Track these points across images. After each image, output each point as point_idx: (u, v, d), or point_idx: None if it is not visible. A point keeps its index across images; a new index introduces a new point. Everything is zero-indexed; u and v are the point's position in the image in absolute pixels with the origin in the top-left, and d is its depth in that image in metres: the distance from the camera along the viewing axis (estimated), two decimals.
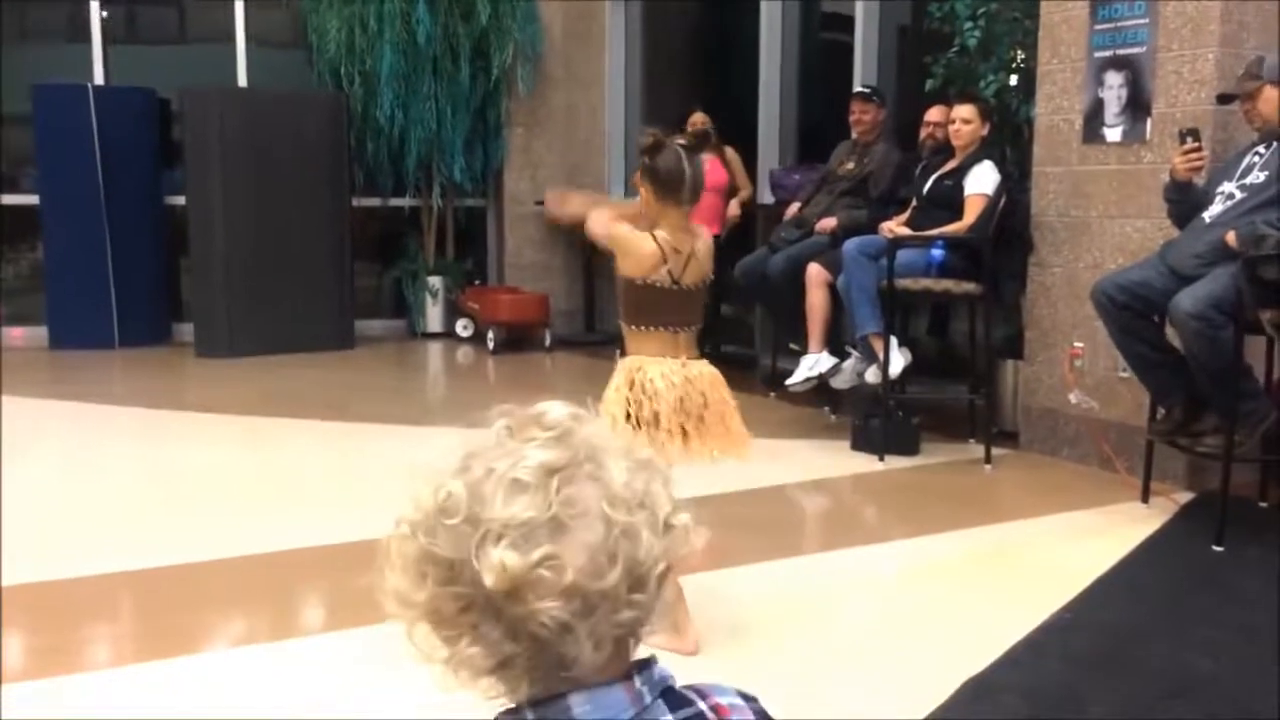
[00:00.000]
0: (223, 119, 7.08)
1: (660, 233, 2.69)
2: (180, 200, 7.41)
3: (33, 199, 7.42)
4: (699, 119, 6.48)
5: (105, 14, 7.85)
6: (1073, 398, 4.52)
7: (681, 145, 2.69)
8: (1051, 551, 3.55)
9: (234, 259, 7.14)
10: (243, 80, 7.93)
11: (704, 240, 2.80)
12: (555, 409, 0.82)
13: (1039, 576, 3.32)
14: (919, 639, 2.85)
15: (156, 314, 7.69)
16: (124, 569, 3.29)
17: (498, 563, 0.73)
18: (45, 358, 7.20)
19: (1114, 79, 4.34)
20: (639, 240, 2.70)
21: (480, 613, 0.76)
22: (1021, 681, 2.55)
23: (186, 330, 7.49)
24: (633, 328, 2.80)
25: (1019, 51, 5.18)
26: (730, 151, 6.57)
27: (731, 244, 6.33)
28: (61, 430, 5.30)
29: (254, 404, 5.69)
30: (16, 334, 7.76)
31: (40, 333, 7.48)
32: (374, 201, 8.08)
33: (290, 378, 6.56)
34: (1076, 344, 4.50)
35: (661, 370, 2.73)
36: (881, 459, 4.57)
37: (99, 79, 7.68)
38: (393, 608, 0.81)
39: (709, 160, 6.53)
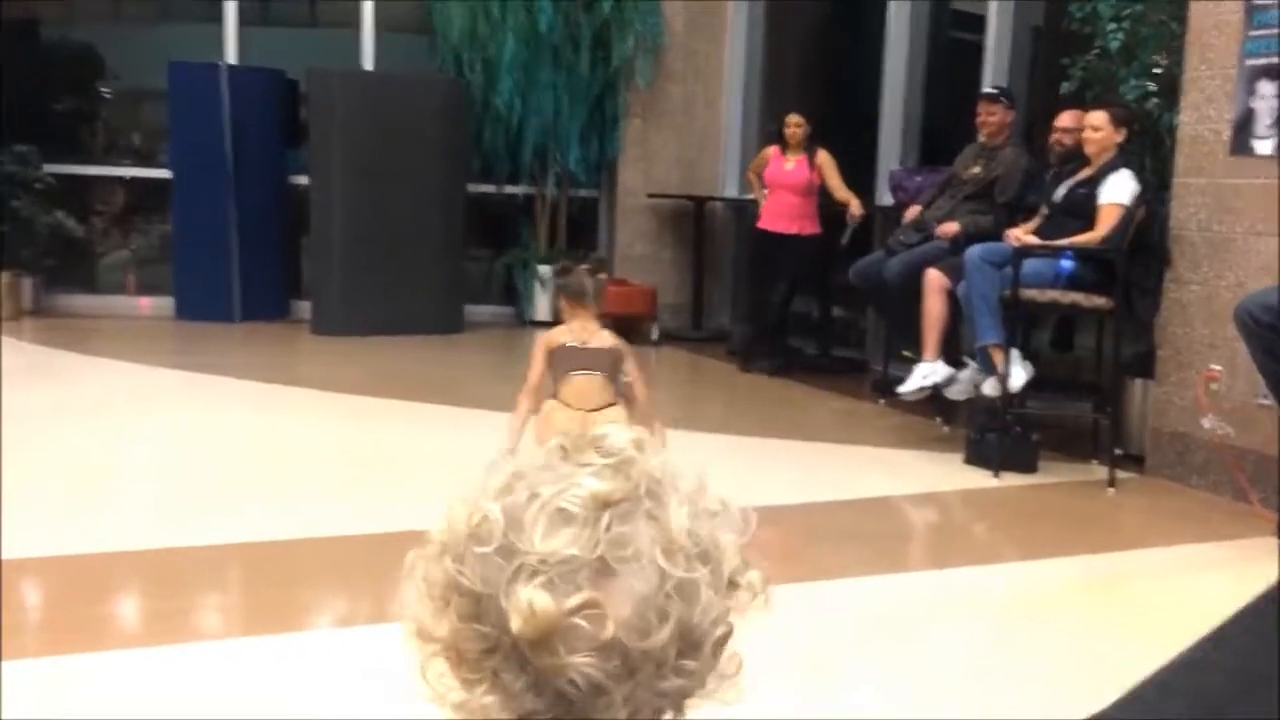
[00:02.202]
0: (346, 101, 7.20)
1: (555, 332, 3.59)
2: (303, 180, 7.58)
3: (166, 173, 7.67)
4: (794, 120, 6.41)
5: None
6: (1206, 422, 4.28)
7: (585, 268, 3.53)
8: (1177, 584, 3.36)
9: (350, 239, 7.27)
10: (368, 64, 8.07)
11: (605, 335, 3.52)
12: (618, 433, 0.71)
13: (1163, 611, 3.14)
14: (1029, 671, 2.71)
15: (276, 290, 7.87)
16: (229, 541, 3.35)
17: (527, 604, 0.63)
18: (170, 327, 7.44)
19: (1268, 88, 4.09)
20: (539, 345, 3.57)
21: (504, 659, 0.66)
22: None
23: (304, 307, 7.66)
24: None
25: (1162, 56, 4.93)
26: (823, 154, 6.43)
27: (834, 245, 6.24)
28: (178, 400, 5.45)
29: (363, 383, 5.77)
30: (144, 303, 8.04)
31: (167, 303, 7.73)
32: (489, 188, 8.14)
33: (400, 359, 6.64)
34: (1214, 366, 4.26)
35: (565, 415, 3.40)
36: (996, 475, 4.40)
37: (232, 59, 7.88)
38: (409, 636, 0.71)
39: (796, 160, 6.44)
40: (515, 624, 0.64)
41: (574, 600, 0.63)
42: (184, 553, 3.24)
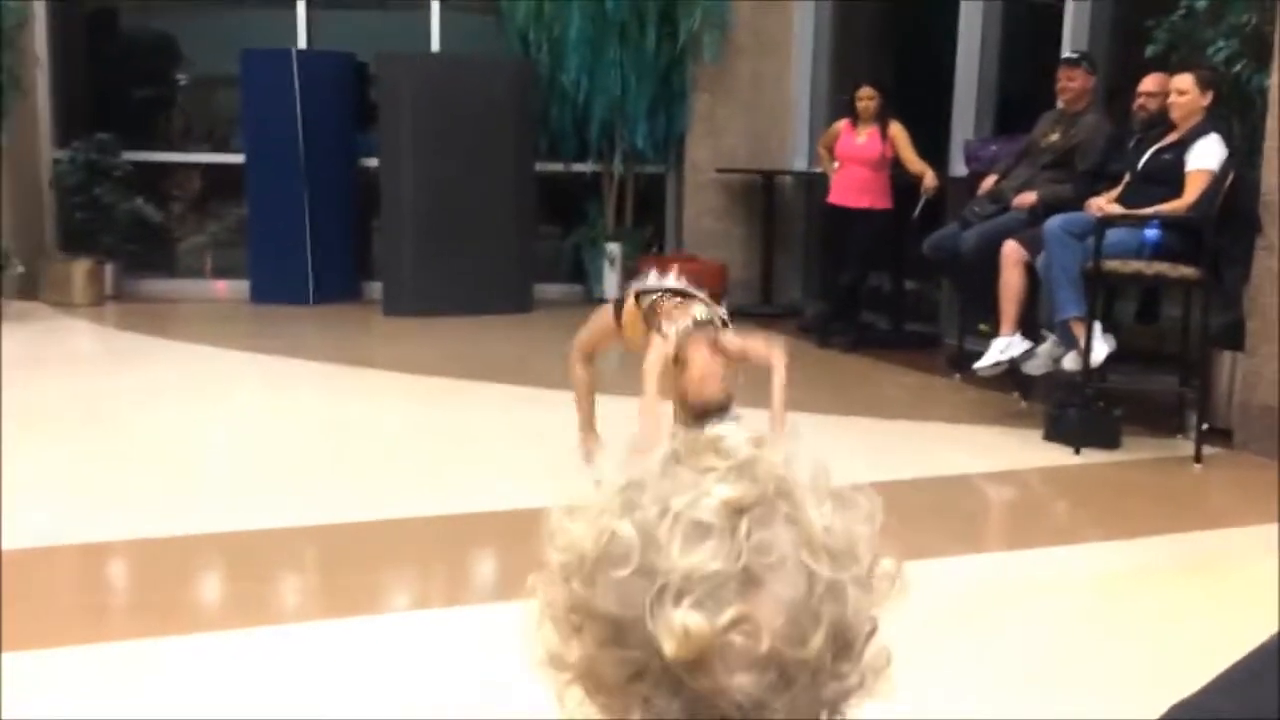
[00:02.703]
0: (415, 83, 7.23)
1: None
2: (374, 162, 7.64)
3: (240, 159, 7.79)
4: (866, 93, 6.28)
5: None
6: None
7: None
8: (1269, 565, 3.24)
9: (421, 220, 7.31)
10: (435, 45, 8.09)
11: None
12: (733, 434, 0.68)
13: (1254, 592, 3.02)
14: (1114, 654, 2.64)
15: (349, 272, 7.97)
16: (308, 523, 3.39)
17: (680, 627, 0.60)
18: (246, 310, 7.57)
19: None
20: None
21: (654, 684, 0.62)
22: (1240, 711, 2.31)
23: (376, 289, 7.74)
24: None
25: (1251, 16, 4.72)
26: (895, 126, 6.28)
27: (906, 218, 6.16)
28: (255, 383, 5.55)
29: (435, 364, 5.81)
30: (221, 286, 8.19)
31: (242, 286, 7.87)
32: (556, 167, 8.13)
33: (470, 339, 6.68)
34: None
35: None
36: (1078, 451, 4.29)
37: (302, 43, 7.96)
38: (541, 664, 0.68)
39: (867, 132, 6.31)
40: (669, 648, 0.61)
41: (726, 617, 0.61)
42: (263, 535, 3.30)
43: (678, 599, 0.61)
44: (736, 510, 0.63)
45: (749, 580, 0.62)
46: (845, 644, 0.64)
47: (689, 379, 3.21)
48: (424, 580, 3.14)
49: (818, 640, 0.62)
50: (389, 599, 2.96)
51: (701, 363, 3.24)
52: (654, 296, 3.54)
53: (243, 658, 2.50)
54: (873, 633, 0.67)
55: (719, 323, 3.43)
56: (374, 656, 2.53)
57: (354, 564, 3.11)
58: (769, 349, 3.39)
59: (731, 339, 3.40)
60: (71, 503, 3.47)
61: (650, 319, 3.48)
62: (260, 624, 2.68)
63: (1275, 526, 3.54)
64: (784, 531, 0.63)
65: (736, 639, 0.60)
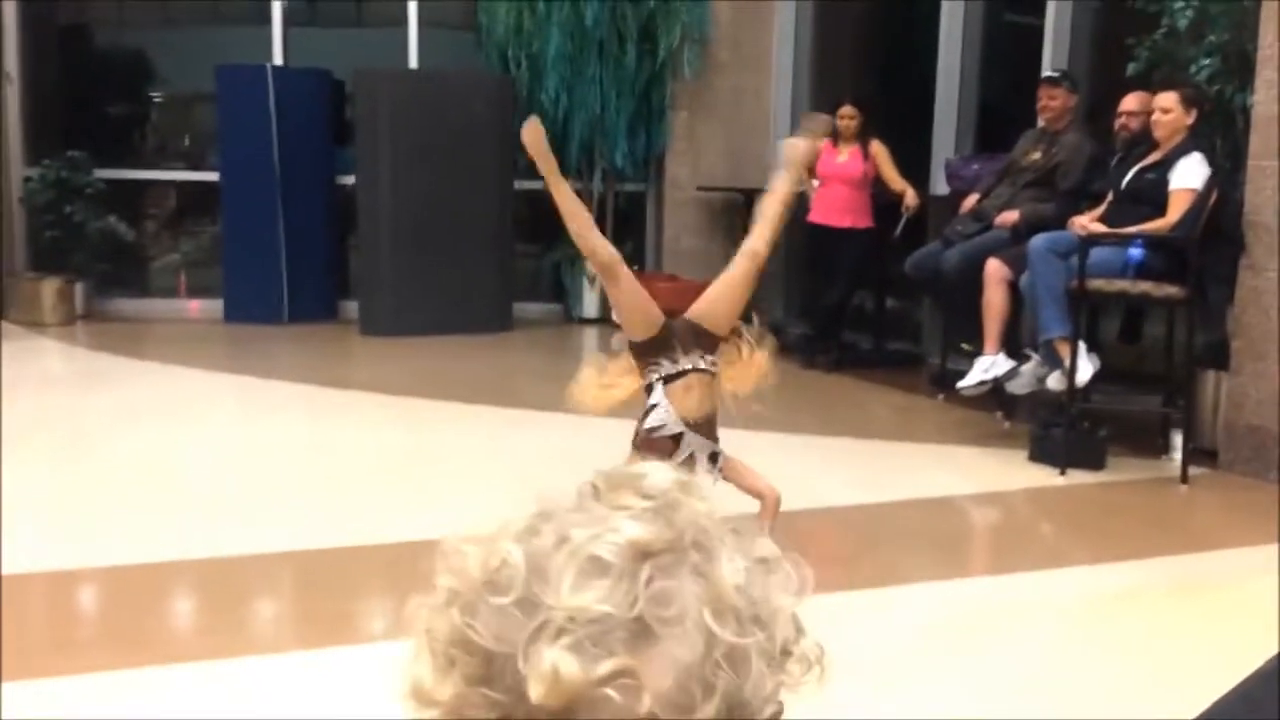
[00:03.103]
0: (392, 100, 7.17)
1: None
2: (351, 179, 7.56)
3: (214, 176, 7.69)
4: (847, 112, 6.25)
5: None
6: None
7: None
8: (1258, 587, 3.19)
9: (399, 239, 7.23)
10: (414, 62, 8.03)
11: None
12: (659, 472, 0.61)
13: (1244, 616, 2.98)
14: (1101, 678, 2.58)
15: (325, 291, 7.87)
16: (280, 550, 3.30)
17: (550, 669, 0.53)
18: (219, 330, 7.46)
19: None
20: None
21: None
22: None
23: (352, 308, 7.64)
24: None
25: (1232, 34, 4.72)
26: (876, 144, 6.26)
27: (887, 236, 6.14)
28: (228, 405, 5.44)
29: (413, 385, 5.72)
30: (194, 306, 8.08)
31: (216, 305, 7.76)
32: (536, 185, 8.03)
33: (449, 359, 6.60)
34: None
35: None
36: (1063, 472, 4.24)
37: (278, 60, 7.88)
38: (406, 700, 0.60)
39: (849, 151, 6.29)
40: (534, 691, 0.54)
41: (605, 667, 0.53)
42: (237, 561, 3.20)
43: (555, 638, 0.54)
44: (642, 553, 0.56)
45: (640, 632, 0.54)
46: None
47: (673, 389, 3.10)
48: (403, 609, 3.05)
49: (706, 712, 0.54)
50: (367, 628, 2.87)
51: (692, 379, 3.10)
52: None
53: (216, 689, 2.41)
54: (775, 718, 0.58)
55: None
56: (351, 687, 2.44)
57: (331, 591, 3.02)
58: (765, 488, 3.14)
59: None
60: (38, 529, 3.37)
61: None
62: (234, 655, 2.58)
63: (1263, 549, 3.51)
64: (690, 584, 0.56)
65: (613, 694, 0.53)
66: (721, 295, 3.17)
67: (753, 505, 3.19)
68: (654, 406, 3.07)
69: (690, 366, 3.07)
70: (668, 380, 3.07)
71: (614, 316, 3.16)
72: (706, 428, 3.10)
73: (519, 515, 0.61)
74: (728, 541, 0.59)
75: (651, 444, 3.08)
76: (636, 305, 3.12)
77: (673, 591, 0.56)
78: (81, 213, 7.38)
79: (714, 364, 3.11)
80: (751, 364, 3.14)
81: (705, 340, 3.10)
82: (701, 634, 0.55)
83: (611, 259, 3.09)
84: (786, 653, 0.59)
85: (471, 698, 0.57)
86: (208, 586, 3.11)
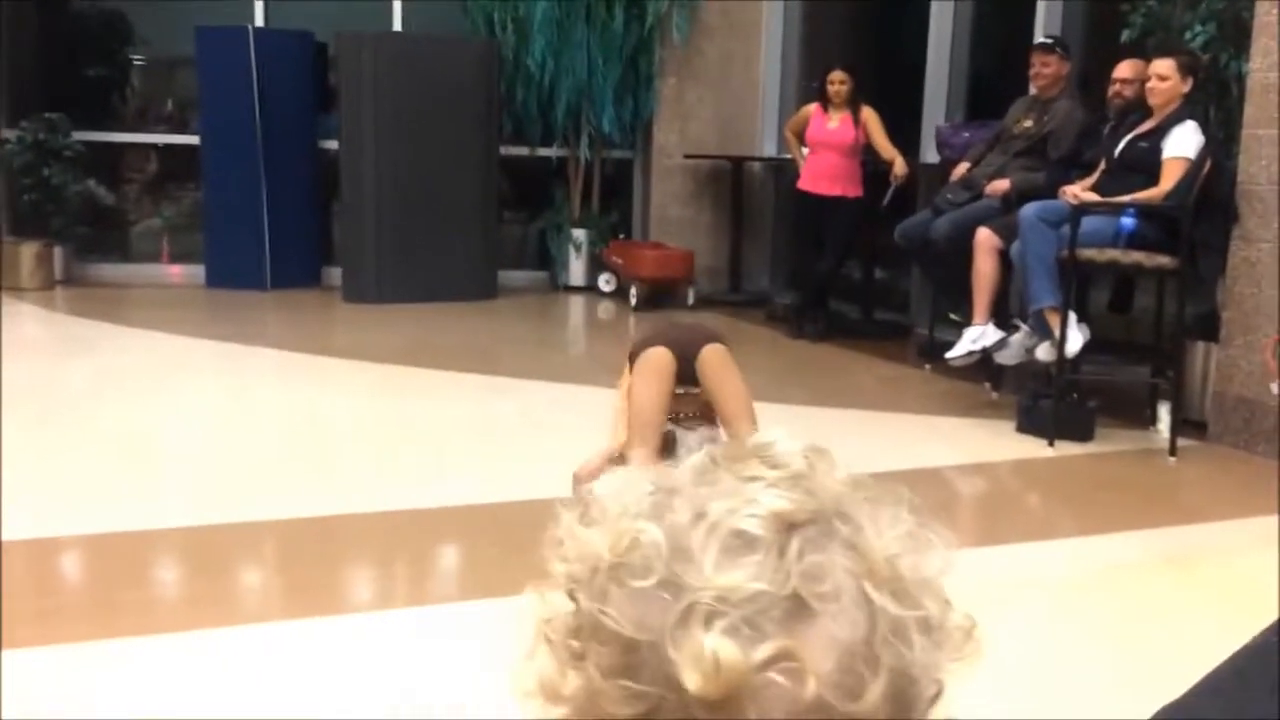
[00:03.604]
0: (375, 64, 7.05)
1: None
2: (334, 145, 7.45)
3: (195, 140, 7.57)
4: (837, 77, 6.17)
5: None
6: (1274, 388, 4.07)
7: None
8: (1248, 560, 3.17)
9: (382, 205, 7.14)
10: (398, 25, 7.90)
11: None
12: (784, 440, 0.56)
13: (1235, 589, 2.96)
14: (1092, 656, 2.56)
15: (308, 257, 7.78)
16: (264, 518, 3.25)
17: (708, 655, 0.48)
18: (201, 296, 7.37)
19: None
20: None
21: None
22: (1227, 712, 2.24)
23: (335, 274, 7.56)
24: None
25: (1227, 1, 4.65)
26: (867, 111, 6.18)
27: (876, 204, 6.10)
28: (210, 372, 5.37)
29: (397, 352, 5.66)
30: (175, 271, 7.98)
31: (198, 271, 7.66)
32: (522, 150, 7.97)
33: (433, 327, 6.53)
34: None
35: None
36: (1051, 444, 4.22)
37: (260, 22, 7.74)
38: (529, 695, 0.55)
39: (839, 118, 6.21)
40: (692, 681, 0.49)
41: (765, 650, 0.49)
42: (220, 530, 3.15)
43: (708, 622, 0.49)
44: (787, 525, 0.51)
45: (796, 610, 0.50)
46: (905, 704, 0.52)
47: None
48: (383, 579, 3.01)
49: (874, 693, 0.50)
50: (350, 597, 2.83)
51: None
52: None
53: (200, 659, 2.37)
54: (938, 696, 0.54)
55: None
56: (336, 657, 2.40)
57: (315, 561, 2.98)
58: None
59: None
60: (16, 497, 3.31)
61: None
62: (218, 624, 2.54)
63: (1251, 521, 3.49)
64: (841, 557, 0.52)
65: (776, 679, 0.48)
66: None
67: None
68: None
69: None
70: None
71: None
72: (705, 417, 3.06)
73: (635, 490, 0.55)
74: (868, 510, 0.55)
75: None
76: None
77: (825, 565, 0.51)
78: (60, 175, 7.26)
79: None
80: None
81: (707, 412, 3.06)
82: (862, 609, 0.51)
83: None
84: (941, 625, 0.55)
85: (609, 691, 0.51)
86: (189, 556, 3.06)
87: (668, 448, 3.04)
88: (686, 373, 3.01)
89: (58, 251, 7.35)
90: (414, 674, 2.35)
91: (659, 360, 2.98)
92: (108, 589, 2.77)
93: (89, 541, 3.08)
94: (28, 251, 7.14)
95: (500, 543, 3.10)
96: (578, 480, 3.02)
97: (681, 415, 3.05)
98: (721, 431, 3.07)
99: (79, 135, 7.43)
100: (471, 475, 3.70)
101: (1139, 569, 3.11)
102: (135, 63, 8.61)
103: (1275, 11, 4.07)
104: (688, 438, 3.03)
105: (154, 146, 8.26)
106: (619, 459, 2.94)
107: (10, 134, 7.35)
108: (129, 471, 3.67)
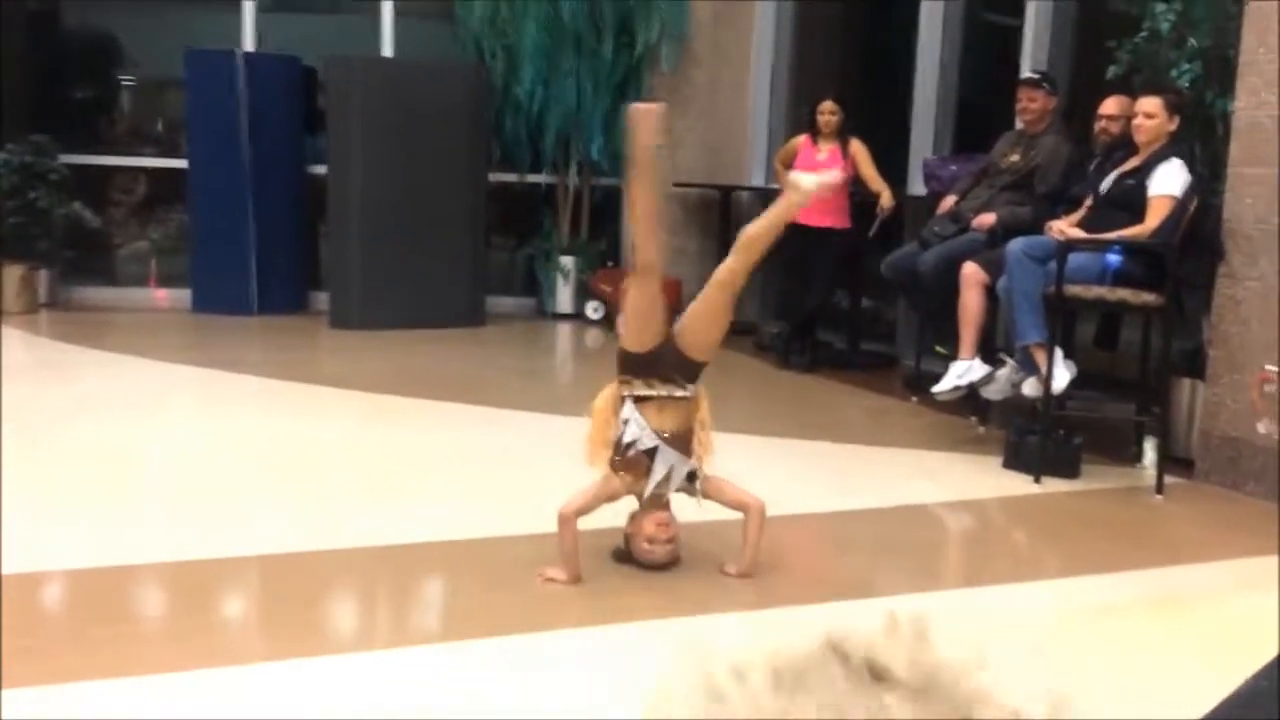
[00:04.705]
0: (365, 88, 7.05)
1: None
2: (322, 169, 7.44)
3: (183, 163, 7.54)
4: (828, 108, 6.20)
5: None
6: (1261, 427, 4.07)
7: None
8: (1237, 603, 3.16)
9: (370, 230, 7.12)
10: (388, 50, 7.90)
11: None
12: (899, 649, 0.53)
13: (1223, 632, 2.94)
14: (1078, 702, 2.52)
15: (295, 282, 7.75)
16: (241, 553, 3.21)
17: None
18: (187, 321, 7.33)
19: None
20: None
21: None
22: None
23: (323, 300, 7.53)
24: None
25: (1213, 39, 4.69)
26: (856, 143, 6.21)
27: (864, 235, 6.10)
28: (193, 400, 5.33)
29: (383, 381, 5.62)
30: (161, 295, 7.93)
31: (184, 295, 7.62)
32: (510, 177, 7.97)
33: (419, 354, 6.50)
34: (1269, 367, 4.04)
35: None
36: (1037, 480, 4.21)
37: (249, 46, 7.74)
38: None
39: (828, 149, 6.23)
40: None
41: None
42: (198, 565, 3.10)
43: None
44: None
45: None
46: None
47: (645, 406, 3.03)
48: (364, 617, 2.96)
49: None
50: (326, 640, 2.78)
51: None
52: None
53: (178, 701, 2.32)
54: None
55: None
56: (316, 701, 2.36)
57: (295, 599, 2.93)
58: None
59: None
60: None
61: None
62: (195, 666, 2.49)
63: (1238, 563, 3.48)
64: None
65: None
66: (705, 326, 3.07)
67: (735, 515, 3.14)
68: (625, 422, 3.00)
69: (666, 394, 3.00)
70: (639, 400, 3.01)
71: (617, 324, 3.07)
72: (681, 442, 3.04)
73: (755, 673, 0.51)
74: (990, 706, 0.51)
75: (627, 462, 3.01)
76: (653, 314, 3.03)
77: None
78: (46, 198, 7.23)
79: (692, 391, 3.04)
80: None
81: (687, 368, 3.03)
82: None
83: (655, 261, 3.02)
84: None
85: None
86: (164, 592, 3.01)
87: (650, 466, 3.01)
88: (673, 360, 3.01)
89: (43, 274, 7.31)
90: (399, 716, 2.31)
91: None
92: (83, 625, 2.72)
93: (65, 576, 3.04)
94: (12, 275, 7.10)
95: (483, 580, 3.06)
96: (563, 519, 2.99)
97: (666, 435, 3.01)
98: (697, 460, 3.04)
99: (66, 158, 7.40)
100: (454, 509, 3.66)
101: (1125, 611, 3.09)
102: (124, 84, 8.59)
103: (1260, 50, 4.09)
104: (668, 455, 3.00)
105: (141, 169, 8.23)
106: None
107: None
108: (105, 503, 3.62)
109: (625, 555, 3.13)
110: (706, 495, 3.11)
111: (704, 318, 3.08)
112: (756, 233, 3.10)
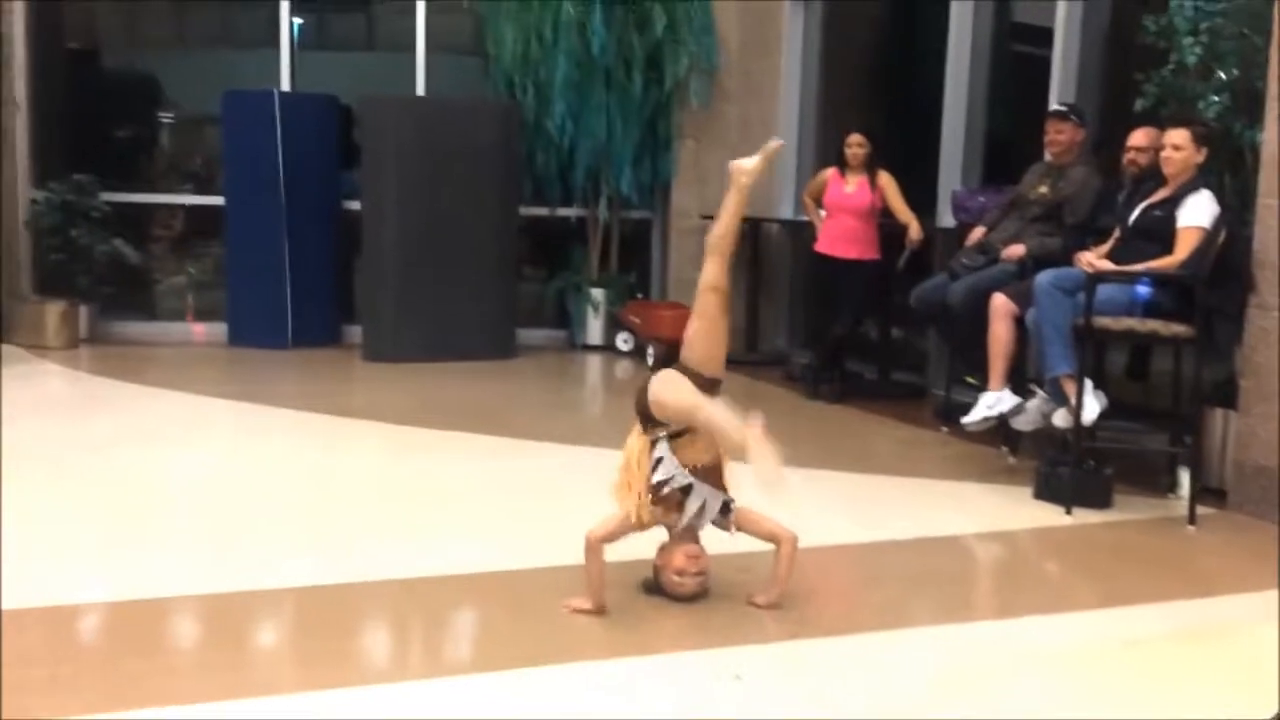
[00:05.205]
0: (398, 125, 7.17)
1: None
2: (356, 205, 7.56)
3: (220, 200, 7.69)
4: (856, 140, 6.24)
5: (299, 21, 8.08)
6: None
7: None
8: (1271, 634, 3.14)
9: (403, 264, 7.22)
10: (421, 88, 8.04)
11: None
12: None
13: (1258, 665, 2.92)
14: None
15: (329, 316, 7.86)
16: (277, 586, 3.26)
17: None
18: (223, 354, 7.45)
19: None
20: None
21: None
22: None
23: (356, 333, 7.63)
24: None
25: (1241, 71, 4.69)
26: (884, 175, 6.25)
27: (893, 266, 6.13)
28: (229, 432, 5.41)
29: (414, 413, 5.69)
30: (199, 329, 8.06)
31: (221, 329, 7.75)
32: (541, 211, 8.06)
33: (452, 386, 6.56)
34: None
35: None
36: (1069, 511, 4.19)
37: (285, 85, 7.89)
38: None
39: (856, 182, 6.26)
40: None
41: None
42: (235, 598, 3.16)
43: None
44: None
45: None
46: None
47: (677, 441, 3.08)
48: (398, 649, 3.00)
49: None
50: (352, 672, 2.82)
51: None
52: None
53: None
54: None
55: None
56: None
57: (325, 631, 2.97)
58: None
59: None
60: (29, 560, 3.33)
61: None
62: (227, 697, 2.53)
63: (1272, 594, 3.45)
64: None
65: None
66: (708, 334, 3.13)
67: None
68: (658, 461, 3.04)
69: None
70: (672, 436, 3.04)
71: (683, 350, 3.14)
72: (714, 475, 3.08)
73: None
74: None
75: (661, 500, 3.05)
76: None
77: None
78: (87, 236, 7.38)
79: None
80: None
81: (708, 389, 3.07)
82: None
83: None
84: None
85: None
86: (200, 624, 3.06)
87: (684, 502, 3.06)
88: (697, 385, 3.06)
89: (83, 310, 7.45)
90: None
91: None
92: (118, 658, 2.77)
93: (102, 609, 3.09)
94: (53, 311, 7.25)
95: (512, 611, 3.09)
96: (590, 545, 3.03)
97: (699, 467, 3.05)
98: (729, 494, 3.09)
99: (106, 196, 7.56)
100: (484, 541, 3.70)
101: (1159, 643, 3.08)
102: (164, 121, 8.78)
103: None
104: (701, 490, 3.05)
105: (180, 206, 8.39)
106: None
107: (39, 194, 7.48)
108: (143, 535, 3.68)
109: (655, 587, 3.16)
110: (739, 527, 3.14)
111: (712, 328, 3.13)
112: (721, 232, 3.23)
